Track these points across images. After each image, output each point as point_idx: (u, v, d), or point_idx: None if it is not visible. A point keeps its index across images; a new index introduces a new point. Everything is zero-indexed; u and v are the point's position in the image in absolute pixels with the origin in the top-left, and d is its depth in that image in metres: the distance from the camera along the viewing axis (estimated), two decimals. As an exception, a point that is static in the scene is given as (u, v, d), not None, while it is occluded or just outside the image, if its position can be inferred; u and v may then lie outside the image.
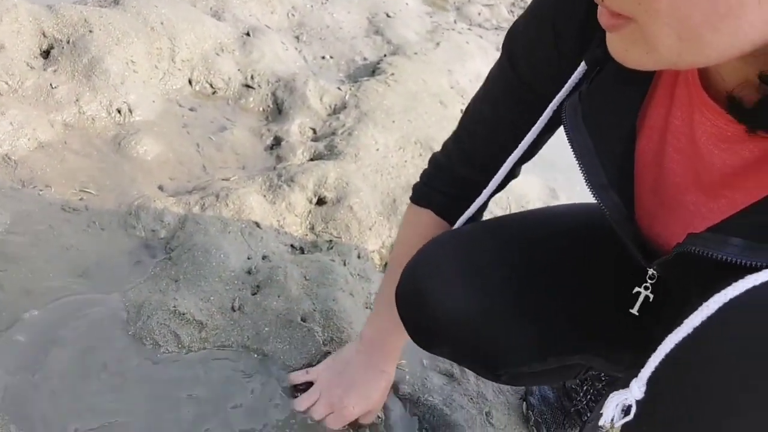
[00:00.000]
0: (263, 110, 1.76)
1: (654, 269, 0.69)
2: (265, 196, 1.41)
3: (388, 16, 2.44)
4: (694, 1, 0.41)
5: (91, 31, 1.54)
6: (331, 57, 2.14)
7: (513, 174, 0.83)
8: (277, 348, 1.11)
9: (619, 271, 0.77)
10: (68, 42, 1.52)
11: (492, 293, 0.79)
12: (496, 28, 2.76)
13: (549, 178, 1.90)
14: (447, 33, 2.43)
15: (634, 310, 0.73)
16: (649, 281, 0.72)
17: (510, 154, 0.77)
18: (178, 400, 0.99)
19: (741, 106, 0.50)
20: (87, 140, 1.40)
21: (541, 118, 0.72)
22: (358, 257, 1.37)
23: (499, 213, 1.62)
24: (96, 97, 1.46)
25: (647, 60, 0.47)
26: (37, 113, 1.36)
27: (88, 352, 1.00)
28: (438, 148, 0.91)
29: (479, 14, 2.80)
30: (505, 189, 0.85)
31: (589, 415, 1.15)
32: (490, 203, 0.89)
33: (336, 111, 1.80)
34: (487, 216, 0.92)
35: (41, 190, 1.24)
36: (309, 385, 1.06)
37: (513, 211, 1.57)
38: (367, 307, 1.26)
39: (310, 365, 1.10)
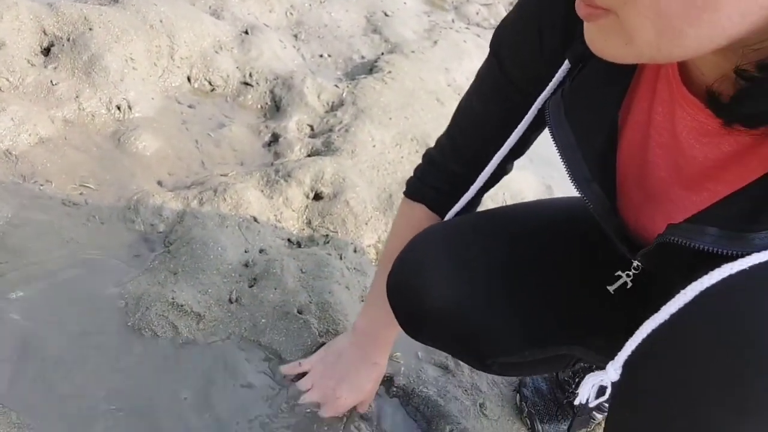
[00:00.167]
0: (261, 107, 1.78)
1: (638, 260, 0.71)
2: (262, 191, 1.43)
3: (386, 15, 2.45)
4: None
5: (91, 29, 1.56)
6: (329, 55, 2.15)
7: (503, 170, 0.84)
8: (273, 339, 1.13)
9: (604, 263, 0.79)
10: (68, 39, 1.54)
11: (478, 285, 0.81)
12: (494, 28, 2.77)
13: (545, 174, 1.92)
14: (445, 32, 2.45)
15: (611, 289, 0.75)
16: (633, 271, 0.73)
17: (498, 150, 0.79)
18: (175, 390, 1.01)
19: (719, 100, 0.51)
20: (87, 136, 1.42)
21: (526, 117, 0.74)
22: (354, 251, 1.39)
23: (495, 209, 1.64)
24: (96, 93, 1.48)
25: (625, 52, 0.47)
26: (38, 109, 1.38)
27: (87, 342, 1.02)
28: (434, 144, 0.93)
29: (477, 14, 2.82)
30: (501, 185, 0.86)
31: (581, 406, 1.17)
32: (487, 199, 0.90)
33: (333, 108, 1.81)
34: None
35: (42, 185, 1.26)
36: (303, 375, 1.08)
37: (508, 207, 1.58)
38: (362, 300, 1.28)
39: (305, 357, 1.11)
